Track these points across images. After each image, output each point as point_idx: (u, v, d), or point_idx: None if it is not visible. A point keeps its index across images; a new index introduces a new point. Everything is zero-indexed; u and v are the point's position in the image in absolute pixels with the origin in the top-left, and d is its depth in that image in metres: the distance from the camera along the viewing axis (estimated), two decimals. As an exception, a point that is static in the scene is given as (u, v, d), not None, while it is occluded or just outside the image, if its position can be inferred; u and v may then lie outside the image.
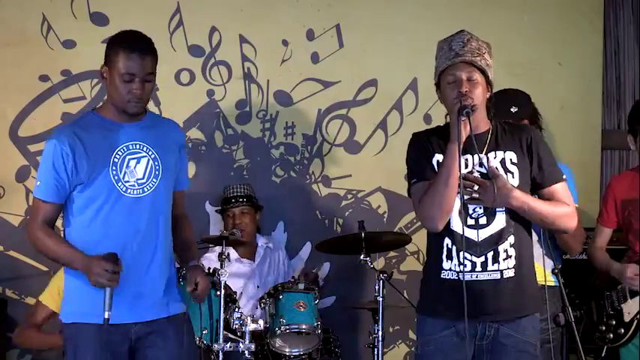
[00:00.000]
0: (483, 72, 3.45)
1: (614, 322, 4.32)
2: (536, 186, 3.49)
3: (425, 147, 3.54)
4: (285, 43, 5.52)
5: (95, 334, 3.38)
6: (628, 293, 4.30)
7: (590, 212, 4.64)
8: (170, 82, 5.35)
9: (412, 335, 5.48)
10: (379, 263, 5.37)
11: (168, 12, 5.42)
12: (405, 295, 4.97)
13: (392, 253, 5.52)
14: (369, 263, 4.77)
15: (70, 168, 3.42)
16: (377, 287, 4.62)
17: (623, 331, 4.29)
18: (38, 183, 3.46)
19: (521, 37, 5.63)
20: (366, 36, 5.59)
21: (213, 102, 5.49)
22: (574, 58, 5.70)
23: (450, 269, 3.45)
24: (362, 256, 4.76)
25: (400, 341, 5.55)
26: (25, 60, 5.31)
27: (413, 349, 5.42)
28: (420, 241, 5.18)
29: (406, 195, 3.61)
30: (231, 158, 5.49)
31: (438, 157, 3.49)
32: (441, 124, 3.59)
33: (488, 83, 3.49)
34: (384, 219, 5.57)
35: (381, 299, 4.60)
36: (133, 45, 3.41)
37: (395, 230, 5.50)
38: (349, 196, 5.58)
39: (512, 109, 4.27)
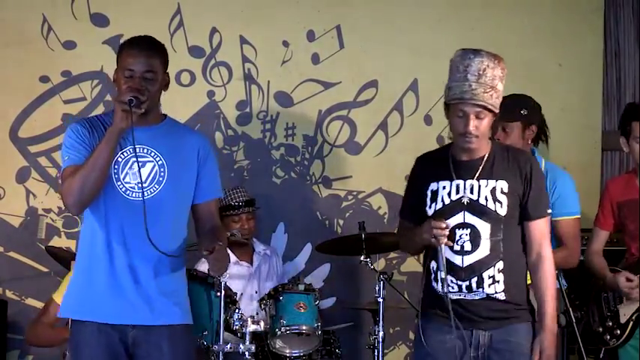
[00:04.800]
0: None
1: (611, 324, 4.32)
2: (524, 216, 3.51)
3: (417, 176, 3.59)
4: (285, 44, 5.52)
5: (94, 333, 3.39)
6: (624, 294, 4.30)
7: (591, 214, 4.63)
8: (170, 83, 5.31)
9: (412, 336, 5.47)
10: (379, 264, 5.36)
11: (169, 13, 5.42)
12: (406, 296, 4.96)
13: (392, 254, 5.51)
14: (370, 264, 4.77)
15: (88, 139, 3.42)
16: (377, 288, 4.62)
17: (619, 332, 4.29)
18: (66, 158, 3.42)
19: (521, 38, 5.62)
20: (366, 37, 5.58)
21: (213, 103, 5.49)
22: (574, 59, 5.69)
23: (438, 290, 3.51)
24: (362, 257, 4.77)
25: (401, 342, 5.55)
26: (25, 61, 5.31)
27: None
28: (420, 242, 5.17)
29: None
30: (231, 159, 5.49)
31: (433, 186, 3.51)
32: (447, 144, 3.62)
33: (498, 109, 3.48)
34: (385, 220, 5.56)
35: (381, 300, 4.61)
36: (134, 42, 3.47)
37: (395, 231, 5.49)
38: (350, 197, 5.57)
39: (522, 112, 4.27)
